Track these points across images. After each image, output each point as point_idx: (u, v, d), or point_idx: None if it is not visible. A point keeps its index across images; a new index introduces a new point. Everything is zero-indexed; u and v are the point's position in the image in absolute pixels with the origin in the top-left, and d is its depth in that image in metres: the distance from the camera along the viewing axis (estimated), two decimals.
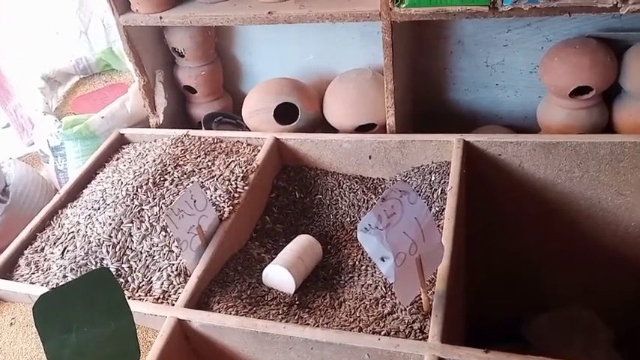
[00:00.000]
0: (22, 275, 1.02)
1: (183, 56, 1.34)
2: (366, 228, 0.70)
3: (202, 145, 1.21)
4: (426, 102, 1.33)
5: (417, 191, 1.06)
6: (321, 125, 1.31)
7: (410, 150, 1.11)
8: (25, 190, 1.42)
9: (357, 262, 1.01)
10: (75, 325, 0.69)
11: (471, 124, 1.28)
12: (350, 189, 1.16)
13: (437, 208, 1.01)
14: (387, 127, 1.17)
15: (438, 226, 0.96)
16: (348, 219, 1.12)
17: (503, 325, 1.22)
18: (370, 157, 1.15)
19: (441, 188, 1.04)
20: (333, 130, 1.28)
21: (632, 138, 0.99)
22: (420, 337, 0.77)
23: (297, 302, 0.92)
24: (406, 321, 0.80)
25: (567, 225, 1.12)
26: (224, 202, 1.03)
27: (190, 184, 0.96)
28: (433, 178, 1.06)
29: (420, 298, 0.82)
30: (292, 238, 1.03)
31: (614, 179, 1.04)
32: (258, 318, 0.86)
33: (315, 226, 1.12)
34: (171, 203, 1.02)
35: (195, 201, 0.94)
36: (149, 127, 1.37)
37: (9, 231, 1.29)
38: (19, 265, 1.04)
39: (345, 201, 1.14)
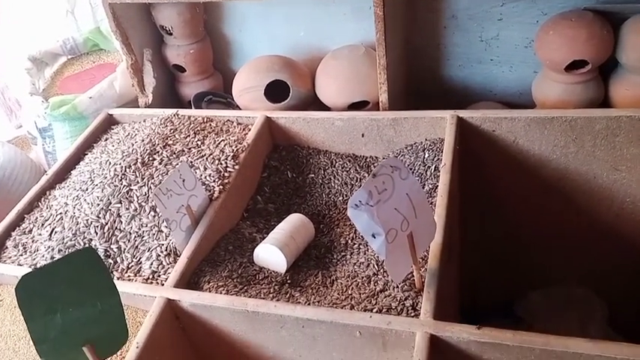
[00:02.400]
0: (10, 257, 1.00)
1: (171, 34, 1.32)
2: (356, 204, 0.69)
3: (192, 125, 1.18)
4: (419, 78, 1.30)
5: (411, 169, 1.04)
6: (314, 103, 1.28)
7: (403, 127, 1.10)
8: (13, 173, 1.40)
9: (349, 241, 0.99)
10: (60, 305, 0.68)
11: (465, 101, 1.26)
12: (342, 167, 1.14)
13: (430, 186, 0.99)
14: (380, 104, 1.15)
15: (431, 203, 0.95)
16: (340, 198, 1.10)
17: (497, 305, 1.21)
18: (363, 135, 1.14)
19: (434, 165, 1.02)
20: (326, 108, 1.26)
21: (629, 112, 0.98)
22: (412, 314, 0.76)
23: (288, 281, 0.91)
24: (398, 298, 0.79)
25: (562, 201, 1.10)
26: (214, 181, 1.01)
27: (179, 164, 0.95)
28: (426, 156, 1.05)
29: (413, 276, 0.81)
30: (284, 218, 1.02)
31: (609, 154, 1.02)
32: (249, 297, 0.85)
33: (308, 205, 1.11)
34: (160, 183, 1.00)
35: (184, 180, 0.92)
36: (138, 107, 1.35)
37: None
38: (7, 247, 1.02)
39: (338, 180, 1.13)
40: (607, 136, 1.00)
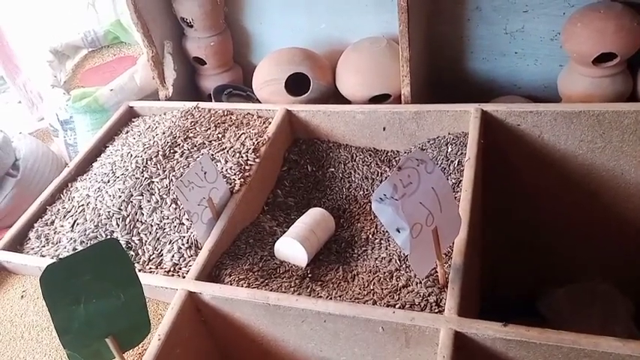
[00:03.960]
0: (33, 248, 1.01)
1: (191, 26, 1.31)
2: (381, 198, 0.68)
3: (212, 118, 1.18)
4: (442, 71, 1.28)
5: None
6: (334, 97, 1.27)
7: (426, 121, 1.08)
8: (35, 165, 1.41)
9: (370, 236, 0.99)
10: (84, 296, 0.68)
11: (488, 95, 1.24)
12: (363, 162, 1.13)
13: (453, 180, 0.98)
14: (402, 97, 1.13)
15: (455, 198, 0.93)
16: (361, 192, 1.09)
17: (517, 300, 1.19)
18: (384, 129, 1.12)
19: (457, 160, 1.00)
20: (346, 101, 1.25)
21: None
22: (437, 311, 0.75)
23: (309, 275, 0.91)
24: (422, 294, 0.78)
25: (588, 197, 1.08)
26: (235, 174, 1.01)
27: (200, 156, 0.94)
28: (450, 150, 1.03)
29: (436, 271, 0.79)
30: (304, 212, 1.01)
31: (637, 150, 1.00)
32: (270, 291, 0.85)
33: (328, 199, 1.10)
34: (181, 176, 1.00)
35: (205, 173, 0.92)
36: (158, 99, 1.35)
37: (19, 205, 1.29)
38: (30, 239, 1.03)
39: (359, 174, 1.12)
40: (636, 131, 0.97)
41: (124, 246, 0.95)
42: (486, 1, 1.17)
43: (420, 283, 0.80)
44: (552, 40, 1.17)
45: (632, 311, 1.09)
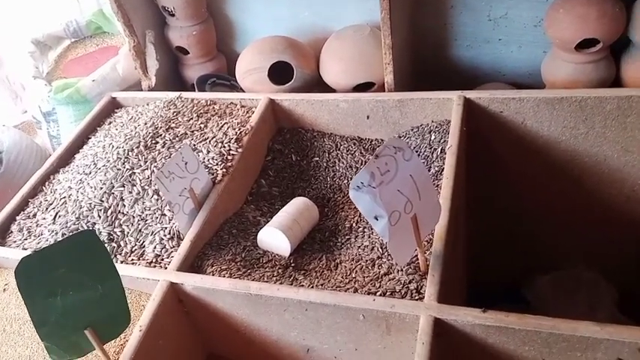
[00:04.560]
0: (15, 241, 1.00)
1: (173, 15, 1.30)
2: (358, 186, 0.67)
3: (195, 108, 1.17)
4: (426, 59, 1.28)
5: (417, 151, 1.03)
6: (319, 85, 1.27)
7: (409, 109, 1.08)
8: (18, 157, 1.40)
9: (354, 224, 0.98)
10: (60, 288, 0.67)
11: (473, 82, 1.23)
12: (347, 150, 1.12)
13: (436, 168, 0.98)
14: (386, 85, 1.13)
15: (437, 186, 0.93)
16: (345, 181, 1.09)
17: (504, 288, 1.20)
18: (368, 117, 1.12)
19: (440, 147, 1.00)
20: (331, 90, 1.24)
21: None
22: (417, 298, 0.75)
23: (292, 264, 0.90)
24: (402, 281, 0.78)
25: (572, 183, 1.08)
26: (217, 164, 1.00)
27: (181, 147, 0.94)
28: (433, 138, 1.03)
29: (417, 259, 0.79)
30: (288, 201, 1.01)
31: (620, 135, 1.00)
32: (253, 280, 0.84)
33: (312, 188, 1.10)
34: (162, 166, 0.99)
35: (186, 163, 0.91)
36: (141, 90, 1.33)
37: (3, 198, 1.27)
38: (12, 232, 1.02)
39: (343, 163, 1.11)
40: (618, 116, 0.97)
41: (105, 238, 0.95)
42: None
43: (401, 270, 0.80)
44: (536, 27, 1.16)
45: (616, 298, 1.10)
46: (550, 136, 1.03)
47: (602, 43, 1.03)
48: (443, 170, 0.94)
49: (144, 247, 0.93)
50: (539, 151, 1.05)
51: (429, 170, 0.98)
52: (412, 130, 1.08)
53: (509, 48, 1.21)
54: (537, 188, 1.11)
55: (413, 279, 0.78)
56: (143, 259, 0.91)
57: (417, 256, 0.80)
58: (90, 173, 1.05)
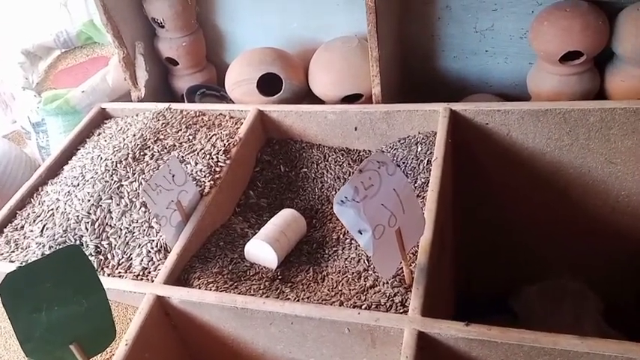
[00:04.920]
0: (2, 254, 1.00)
1: (163, 27, 1.30)
2: (342, 200, 0.68)
3: (184, 119, 1.18)
4: (413, 70, 1.29)
5: (404, 163, 1.03)
6: (307, 97, 1.27)
7: (396, 120, 1.08)
8: (7, 168, 1.39)
9: (341, 236, 0.99)
10: (45, 303, 0.68)
11: (460, 93, 1.25)
12: (336, 162, 1.13)
13: (423, 180, 0.99)
14: (373, 96, 1.14)
15: (424, 197, 0.94)
16: (333, 192, 1.09)
17: (492, 298, 1.21)
18: (356, 129, 1.13)
19: (427, 159, 1.01)
20: (320, 101, 1.25)
21: (623, 104, 0.96)
22: (402, 311, 0.76)
23: (279, 277, 0.91)
24: (387, 294, 0.79)
25: (557, 195, 1.09)
26: (205, 176, 1.01)
27: (169, 159, 0.94)
28: (419, 149, 1.04)
29: (403, 271, 0.80)
30: (277, 213, 1.01)
31: (604, 147, 1.01)
32: (239, 293, 0.85)
33: (301, 200, 1.10)
34: (149, 179, 0.99)
35: (173, 176, 0.92)
36: (131, 101, 1.34)
37: None
38: None
39: (331, 174, 1.12)
40: (601, 128, 0.98)
41: (92, 250, 0.95)
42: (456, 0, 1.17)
43: (387, 283, 0.81)
44: (522, 39, 1.17)
45: (602, 308, 1.11)
46: (535, 147, 1.04)
47: (585, 55, 1.05)
48: (429, 182, 0.95)
49: (131, 259, 0.93)
50: (524, 163, 1.06)
51: (416, 182, 0.98)
52: (399, 141, 1.09)
53: (496, 59, 1.22)
54: (522, 199, 1.12)
55: (398, 292, 0.79)
56: (130, 272, 0.91)
57: (402, 268, 0.80)
58: (78, 185, 1.05)
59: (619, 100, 1.04)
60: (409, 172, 1.01)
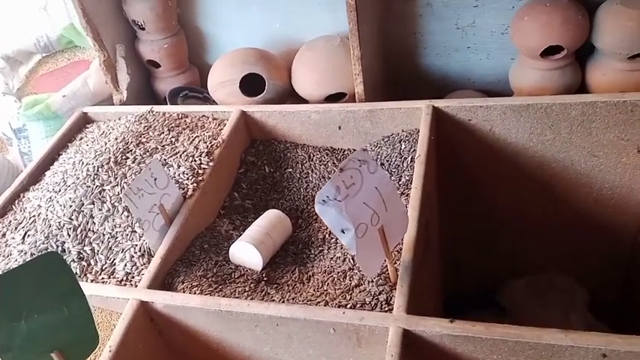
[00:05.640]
0: None
1: (143, 29, 1.29)
2: (324, 200, 0.68)
3: (166, 122, 1.17)
4: (396, 68, 1.29)
5: (388, 161, 1.03)
6: (291, 97, 1.27)
7: (380, 119, 1.08)
8: None
9: (327, 236, 0.98)
10: (25, 312, 0.66)
11: (443, 89, 1.25)
12: (320, 161, 1.13)
13: (407, 177, 0.98)
14: (356, 95, 1.13)
15: (408, 195, 0.94)
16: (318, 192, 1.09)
17: (482, 294, 1.21)
18: (340, 128, 1.12)
19: (411, 157, 1.01)
20: (303, 101, 1.24)
21: (604, 98, 0.97)
22: (386, 309, 0.76)
23: (264, 279, 0.90)
24: (372, 293, 0.79)
25: (541, 189, 1.10)
26: (188, 179, 1.00)
27: (150, 162, 0.93)
28: (403, 147, 1.04)
29: (388, 270, 0.80)
30: (262, 214, 1.00)
31: (586, 140, 1.01)
32: (224, 296, 0.84)
33: (286, 200, 1.10)
34: (131, 183, 0.98)
35: (155, 179, 0.91)
36: (113, 104, 1.32)
37: None
38: None
39: (316, 174, 1.11)
40: (583, 122, 0.99)
41: (75, 256, 0.94)
42: None
43: (372, 281, 0.81)
44: (503, 34, 1.18)
45: (588, 301, 1.12)
46: (518, 142, 1.04)
47: (566, 49, 1.05)
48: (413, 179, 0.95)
49: (114, 265, 0.92)
50: (507, 158, 1.06)
51: (400, 179, 0.98)
52: (383, 139, 1.08)
53: (478, 56, 1.22)
54: (507, 194, 1.12)
55: (383, 290, 0.78)
56: (114, 278, 0.90)
57: (387, 267, 0.80)
58: (59, 191, 1.04)
59: (600, 93, 1.05)
60: (393, 170, 1.01)
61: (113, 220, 0.96)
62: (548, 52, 1.06)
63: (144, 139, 1.11)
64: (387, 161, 1.03)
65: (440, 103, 1.03)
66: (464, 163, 1.09)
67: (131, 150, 1.08)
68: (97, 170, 1.04)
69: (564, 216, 1.12)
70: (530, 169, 1.07)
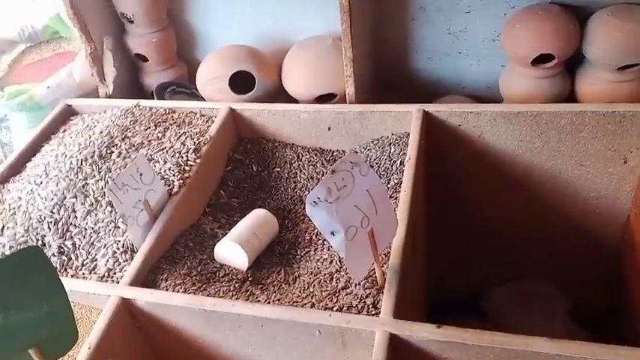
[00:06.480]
0: None
1: (132, 22, 1.27)
2: (315, 201, 0.67)
3: (153, 116, 1.15)
4: (387, 71, 1.28)
5: (377, 164, 1.03)
6: (281, 95, 1.26)
7: (370, 121, 1.08)
8: None
9: (313, 237, 0.98)
10: (2, 307, 0.64)
11: (433, 94, 1.25)
12: (309, 162, 1.12)
13: (396, 181, 0.98)
14: (347, 96, 1.13)
15: (396, 198, 0.93)
16: (306, 192, 1.08)
17: (465, 300, 1.21)
18: (329, 129, 1.12)
19: (400, 160, 1.01)
20: (293, 100, 1.23)
21: (593, 107, 0.97)
22: (373, 313, 0.75)
23: (249, 279, 0.89)
24: (359, 296, 0.78)
25: (528, 196, 1.10)
26: (174, 175, 0.98)
27: (136, 157, 0.91)
28: (392, 150, 1.03)
29: (375, 273, 0.79)
30: (248, 213, 0.99)
31: (574, 150, 1.02)
32: (208, 295, 0.82)
33: (273, 200, 1.09)
34: (116, 178, 0.96)
35: (141, 175, 0.89)
36: (99, 97, 1.30)
37: None
38: None
39: (304, 174, 1.10)
40: (572, 131, 0.99)
41: (56, 251, 0.91)
42: (430, 1, 1.17)
43: (359, 284, 0.80)
44: (494, 41, 1.18)
45: (570, 309, 1.12)
46: (506, 149, 1.04)
47: (557, 58, 1.06)
48: (402, 183, 0.95)
49: (96, 260, 0.90)
50: (496, 165, 1.06)
51: (389, 182, 0.98)
52: (373, 142, 1.08)
53: (469, 61, 1.23)
54: (494, 201, 1.12)
55: (370, 293, 0.78)
56: (95, 273, 0.88)
57: (374, 270, 0.79)
58: (41, 183, 1.02)
59: (589, 103, 1.06)
60: (382, 173, 1.00)
61: (96, 214, 0.94)
62: (539, 60, 1.07)
63: (130, 134, 1.09)
64: (377, 164, 1.02)
65: (430, 108, 1.03)
66: (452, 167, 1.09)
67: (116, 144, 1.06)
68: (81, 164, 1.02)
69: (550, 224, 1.13)
70: (517, 177, 1.08)
